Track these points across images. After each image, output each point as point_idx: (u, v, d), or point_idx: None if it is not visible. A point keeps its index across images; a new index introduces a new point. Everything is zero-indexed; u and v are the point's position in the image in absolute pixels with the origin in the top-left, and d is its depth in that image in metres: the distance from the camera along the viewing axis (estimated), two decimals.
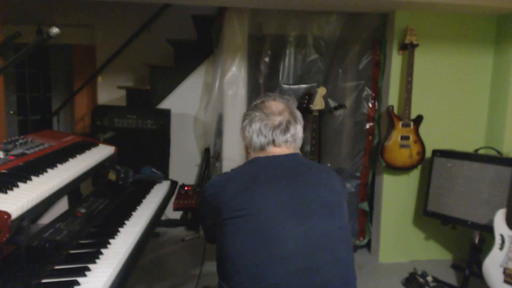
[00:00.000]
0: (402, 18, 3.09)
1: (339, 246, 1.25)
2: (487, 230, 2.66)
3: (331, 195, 1.30)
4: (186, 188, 2.19)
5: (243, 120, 1.42)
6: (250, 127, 1.37)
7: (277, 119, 1.36)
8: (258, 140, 1.36)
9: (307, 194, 1.26)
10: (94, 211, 1.72)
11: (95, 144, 2.12)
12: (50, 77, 5.11)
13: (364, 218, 3.48)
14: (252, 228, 1.20)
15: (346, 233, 1.30)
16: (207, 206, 1.33)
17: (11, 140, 1.69)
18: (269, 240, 1.18)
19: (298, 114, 1.43)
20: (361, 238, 3.49)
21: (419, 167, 3.18)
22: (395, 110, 3.12)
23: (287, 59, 3.43)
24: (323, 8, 3.21)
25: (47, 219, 1.58)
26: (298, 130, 1.40)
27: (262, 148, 1.36)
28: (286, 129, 1.36)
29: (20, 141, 1.71)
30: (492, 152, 3.01)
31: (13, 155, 1.54)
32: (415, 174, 3.26)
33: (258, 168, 1.33)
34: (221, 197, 1.26)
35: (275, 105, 1.40)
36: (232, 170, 1.38)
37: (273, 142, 1.36)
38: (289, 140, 1.37)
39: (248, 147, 1.41)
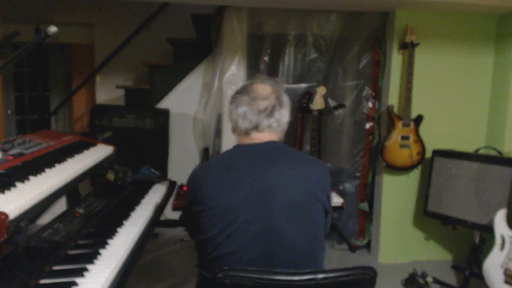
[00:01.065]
0: (402, 17, 3.08)
1: (300, 243, 1.31)
2: (488, 230, 2.65)
3: (302, 191, 1.33)
4: (185, 188, 2.18)
5: (231, 102, 1.46)
6: (236, 111, 1.42)
7: (263, 104, 1.39)
8: (243, 124, 1.41)
9: (275, 193, 1.30)
10: (92, 211, 1.70)
11: (93, 144, 2.10)
12: (49, 76, 5.07)
13: (364, 218, 3.47)
14: (222, 219, 1.30)
15: (307, 230, 1.33)
16: (193, 193, 1.40)
17: (9, 139, 1.67)
18: (235, 231, 1.28)
19: (285, 98, 1.45)
20: (361, 239, 3.49)
21: (419, 167, 3.17)
22: (395, 110, 3.12)
23: (286, 58, 3.42)
24: (323, 7, 3.20)
25: (45, 219, 1.57)
26: (283, 114, 1.43)
27: (247, 133, 1.42)
28: (271, 114, 1.39)
29: (18, 140, 1.69)
30: (493, 152, 3.00)
31: (11, 155, 1.52)
32: (415, 174, 3.25)
33: (237, 158, 1.39)
34: (201, 188, 1.36)
35: (262, 88, 1.42)
36: (214, 157, 1.45)
37: (257, 128, 1.40)
38: (273, 125, 1.41)
39: (234, 130, 1.47)
